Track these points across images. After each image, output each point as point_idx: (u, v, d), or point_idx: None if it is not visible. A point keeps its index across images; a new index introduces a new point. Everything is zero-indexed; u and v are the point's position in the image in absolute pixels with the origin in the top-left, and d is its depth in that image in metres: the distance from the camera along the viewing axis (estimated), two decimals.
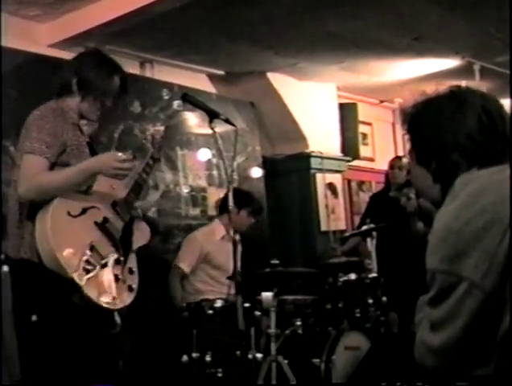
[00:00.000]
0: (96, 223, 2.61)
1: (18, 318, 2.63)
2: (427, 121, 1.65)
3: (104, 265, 2.55)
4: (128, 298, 2.67)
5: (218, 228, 4.55)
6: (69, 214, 2.51)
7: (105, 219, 2.65)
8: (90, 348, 2.54)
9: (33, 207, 2.50)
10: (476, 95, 1.65)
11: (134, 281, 2.73)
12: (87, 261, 2.49)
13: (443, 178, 1.61)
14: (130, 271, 2.74)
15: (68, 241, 2.46)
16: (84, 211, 2.58)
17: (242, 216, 4.46)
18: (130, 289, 2.69)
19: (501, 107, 1.63)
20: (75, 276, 2.42)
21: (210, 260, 4.42)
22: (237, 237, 4.50)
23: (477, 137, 1.57)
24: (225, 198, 4.47)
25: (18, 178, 2.51)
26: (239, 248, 4.59)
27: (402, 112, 1.81)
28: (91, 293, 2.46)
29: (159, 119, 5.13)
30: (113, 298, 2.52)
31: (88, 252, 2.51)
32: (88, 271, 2.47)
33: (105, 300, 2.50)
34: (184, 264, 4.38)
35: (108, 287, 2.52)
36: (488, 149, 1.57)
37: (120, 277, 2.62)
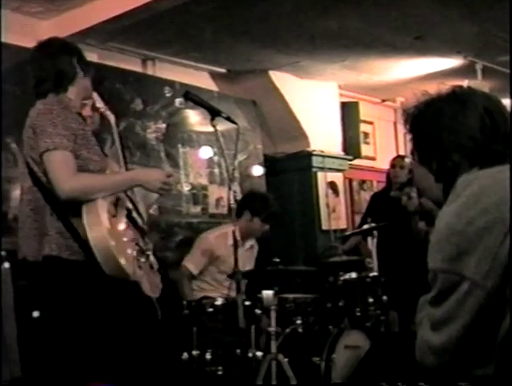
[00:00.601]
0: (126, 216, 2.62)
1: (50, 313, 2.54)
2: (428, 121, 1.65)
3: (147, 258, 2.62)
4: (160, 284, 2.71)
5: (232, 233, 4.48)
6: (109, 212, 2.50)
7: (129, 211, 2.65)
8: (139, 338, 2.56)
9: (58, 205, 2.45)
10: (478, 95, 1.65)
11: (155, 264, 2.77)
12: (137, 259, 2.53)
13: (444, 178, 1.61)
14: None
15: (121, 243, 2.47)
16: (115, 207, 2.58)
17: (255, 223, 4.40)
18: (159, 273, 2.74)
19: (503, 107, 1.63)
20: (134, 277, 2.45)
21: (219, 264, 4.37)
22: (253, 242, 4.51)
23: (479, 138, 1.57)
24: (243, 201, 4.48)
25: (53, 177, 2.40)
26: (255, 251, 4.60)
27: (404, 112, 1.80)
28: (145, 287, 2.51)
29: (161, 116, 5.14)
30: (156, 287, 2.61)
31: (135, 249, 2.55)
32: (140, 267, 2.53)
33: (153, 291, 2.57)
34: (193, 266, 4.35)
35: (154, 278, 2.60)
36: (489, 150, 1.57)
37: (154, 265, 2.68)
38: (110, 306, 2.48)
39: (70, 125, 2.49)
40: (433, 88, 1.69)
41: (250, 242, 4.54)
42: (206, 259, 4.35)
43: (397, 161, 5.21)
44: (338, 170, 6.58)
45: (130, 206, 2.69)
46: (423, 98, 1.68)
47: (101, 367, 2.44)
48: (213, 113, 2.99)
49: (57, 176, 2.40)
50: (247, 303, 3.49)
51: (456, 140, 1.58)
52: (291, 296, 4.05)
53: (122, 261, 2.38)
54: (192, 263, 4.36)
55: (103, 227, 2.39)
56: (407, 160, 4.91)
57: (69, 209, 2.44)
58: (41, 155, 2.43)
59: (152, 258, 2.72)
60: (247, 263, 4.36)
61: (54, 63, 2.61)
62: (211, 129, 2.99)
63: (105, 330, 2.47)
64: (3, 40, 3.85)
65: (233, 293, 3.72)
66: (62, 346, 2.46)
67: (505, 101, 1.85)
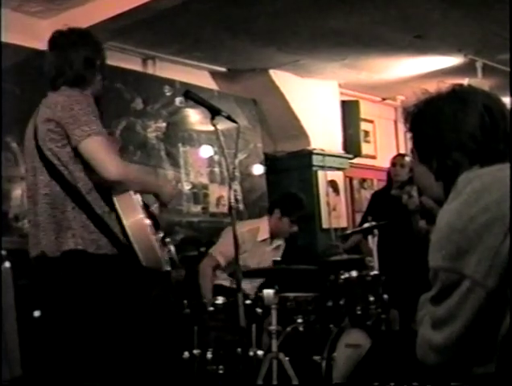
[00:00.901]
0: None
1: (77, 308, 2.45)
2: (428, 119, 1.65)
3: (169, 251, 2.67)
4: None
5: (263, 229, 4.41)
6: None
7: (144, 202, 2.66)
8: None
9: (82, 199, 2.43)
10: (478, 93, 1.64)
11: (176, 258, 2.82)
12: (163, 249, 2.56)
13: (445, 177, 1.61)
14: None
15: (152, 235, 2.50)
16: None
17: (284, 223, 4.36)
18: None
19: (503, 105, 1.63)
20: (167, 268, 2.49)
21: (242, 258, 4.32)
22: (281, 242, 4.47)
23: (479, 136, 1.57)
24: (276, 199, 4.49)
25: (100, 159, 2.39)
26: (280, 251, 4.55)
27: (404, 110, 1.80)
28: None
29: (161, 116, 5.14)
30: None
31: (159, 238, 2.58)
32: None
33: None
34: (222, 257, 4.18)
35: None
36: (489, 148, 1.57)
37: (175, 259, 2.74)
38: (142, 301, 2.47)
39: (97, 115, 2.50)
40: (433, 87, 1.68)
41: (278, 242, 4.47)
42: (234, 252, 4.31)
43: (397, 159, 5.21)
44: (338, 169, 6.58)
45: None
46: (422, 96, 1.68)
47: (102, 364, 2.43)
48: (214, 112, 2.98)
49: (106, 158, 2.40)
50: (248, 302, 3.49)
51: (456, 138, 1.58)
52: (292, 295, 4.05)
53: (158, 250, 2.39)
54: (220, 254, 4.19)
55: (139, 216, 2.41)
56: (408, 158, 4.91)
57: (94, 202, 2.43)
58: (78, 144, 2.39)
59: (173, 252, 2.75)
60: (270, 262, 4.29)
61: (81, 53, 2.57)
62: (211, 128, 2.98)
63: (134, 324, 2.46)
64: (3, 40, 3.85)
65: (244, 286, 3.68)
66: (82, 342, 2.41)
67: (506, 99, 1.85)
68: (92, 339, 2.41)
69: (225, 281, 4.24)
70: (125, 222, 2.42)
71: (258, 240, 4.36)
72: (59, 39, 2.60)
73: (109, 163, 2.39)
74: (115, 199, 2.46)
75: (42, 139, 2.47)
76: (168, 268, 2.50)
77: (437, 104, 1.64)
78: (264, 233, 4.38)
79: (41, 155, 2.48)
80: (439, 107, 1.63)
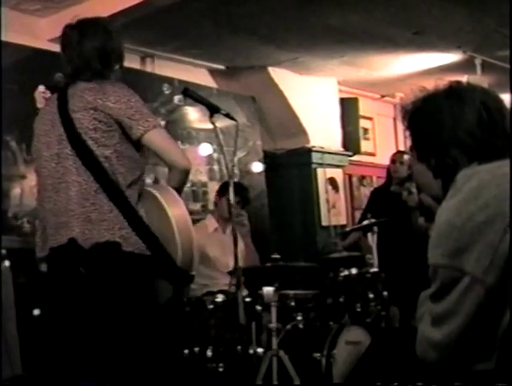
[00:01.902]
0: None
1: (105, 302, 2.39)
2: (426, 117, 1.65)
3: None
4: None
5: (210, 222, 4.64)
6: None
7: None
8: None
9: (120, 192, 2.39)
10: (475, 90, 1.64)
11: None
12: None
13: (443, 174, 1.61)
14: None
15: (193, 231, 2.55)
16: None
17: (222, 202, 4.52)
18: None
19: (500, 102, 1.63)
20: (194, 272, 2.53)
21: (205, 252, 4.42)
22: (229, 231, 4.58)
23: (477, 133, 1.57)
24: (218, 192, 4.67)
25: (172, 150, 2.49)
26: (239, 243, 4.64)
27: (402, 108, 1.80)
28: None
29: (160, 114, 5.13)
30: None
31: None
32: None
33: None
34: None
35: None
36: (488, 145, 1.57)
37: None
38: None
39: None
40: (432, 84, 1.68)
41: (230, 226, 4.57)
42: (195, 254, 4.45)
43: (397, 156, 5.21)
44: (338, 166, 6.58)
45: None
46: (420, 94, 1.68)
47: (105, 363, 2.41)
48: (212, 110, 2.98)
49: (177, 149, 2.56)
50: (248, 299, 3.49)
51: (454, 135, 1.58)
52: (292, 292, 4.06)
53: (195, 249, 2.44)
54: None
55: (184, 209, 2.45)
56: (406, 156, 4.91)
57: (131, 197, 2.40)
58: (143, 134, 2.41)
59: None
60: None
61: (108, 42, 2.54)
62: (210, 125, 2.98)
63: (150, 323, 2.45)
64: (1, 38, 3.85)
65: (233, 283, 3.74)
66: (92, 339, 2.37)
67: (505, 96, 1.84)
68: (106, 336, 2.38)
69: (211, 287, 4.26)
70: (170, 213, 2.40)
71: (209, 231, 4.57)
72: (72, 33, 2.54)
73: (181, 153, 2.53)
74: (155, 192, 2.46)
75: (84, 127, 2.39)
76: (194, 273, 2.51)
77: (434, 101, 1.64)
78: (212, 225, 4.60)
79: (76, 143, 2.40)
80: (436, 104, 1.63)
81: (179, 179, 2.53)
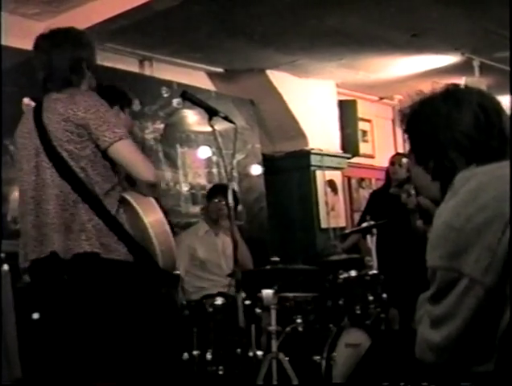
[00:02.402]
0: None
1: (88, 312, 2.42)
2: (423, 120, 1.65)
3: None
4: None
5: (201, 225, 4.68)
6: None
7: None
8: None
9: (96, 201, 2.41)
10: (472, 92, 1.65)
11: None
12: None
13: (442, 176, 1.62)
14: None
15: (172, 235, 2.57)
16: None
17: (212, 204, 4.58)
18: None
19: (498, 104, 1.63)
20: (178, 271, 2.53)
21: (196, 255, 4.48)
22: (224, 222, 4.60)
23: (474, 135, 1.57)
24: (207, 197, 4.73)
25: (136, 162, 2.44)
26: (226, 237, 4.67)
27: (400, 112, 1.81)
28: None
29: (159, 117, 5.14)
30: None
31: None
32: None
33: None
34: (179, 269, 4.30)
35: None
36: (485, 147, 1.57)
37: None
38: (151, 305, 2.47)
39: None
40: (428, 88, 1.69)
41: (222, 224, 4.61)
42: (187, 257, 4.48)
43: (396, 158, 5.21)
44: (337, 169, 6.58)
45: None
46: (417, 97, 1.68)
47: (103, 367, 2.41)
48: (211, 113, 2.98)
49: (142, 161, 2.46)
50: (247, 302, 3.49)
51: (451, 138, 1.58)
52: (291, 295, 4.05)
53: (176, 251, 2.44)
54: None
55: (160, 215, 2.45)
56: (405, 160, 4.91)
57: (110, 206, 2.42)
58: (109, 146, 2.40)
59: None
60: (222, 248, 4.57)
61: (77, 52, 2.54)
62: (209, 128, 2.99)
63: (141, 327, 2.47)
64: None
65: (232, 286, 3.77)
66: (85, 345, 2.39)
67: (504, 98, 1.85)
68: (97, 342, 2.39)
69: (209, 289, 4.27)
70: (145, 220, 2.41)
71: (200, 234, 4.61)
72: (44, 42, 2.56)
73: (146, 166, 2.45)
74: (131, 199, 2.46)
75: (57, 139, 2.42)
76: (179, 272, 2.52)
77: (432, 104, 1.65)
78: (203, 228, 4.64)
79: (52, 155, 2.43)
80: (433, 107, 1.64)
81: (146, 192, 2.51)
